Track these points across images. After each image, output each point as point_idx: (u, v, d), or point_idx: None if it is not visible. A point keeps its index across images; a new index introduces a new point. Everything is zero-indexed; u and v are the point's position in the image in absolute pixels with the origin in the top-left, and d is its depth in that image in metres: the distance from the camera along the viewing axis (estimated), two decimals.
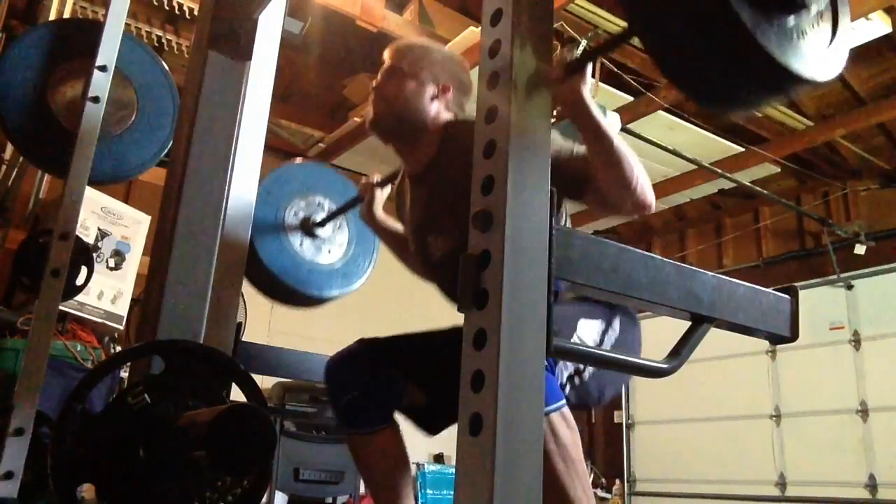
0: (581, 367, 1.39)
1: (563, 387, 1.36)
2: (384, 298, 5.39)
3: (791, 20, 0.66)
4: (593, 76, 4.09)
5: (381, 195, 1.78)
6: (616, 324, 1.45)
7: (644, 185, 1.31)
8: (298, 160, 2.05)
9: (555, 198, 0.72)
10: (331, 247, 1.92)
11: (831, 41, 0.72)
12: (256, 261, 1.74)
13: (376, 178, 1.77)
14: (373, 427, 1.53)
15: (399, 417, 1.58)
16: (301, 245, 1.86)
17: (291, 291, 1.83)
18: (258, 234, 1.74)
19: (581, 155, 1.34)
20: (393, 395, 1.55)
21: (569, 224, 1.56)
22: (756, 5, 0.63)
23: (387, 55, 1.59)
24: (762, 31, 0.63)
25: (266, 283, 1.82)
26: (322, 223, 1.89)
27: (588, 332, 1.40)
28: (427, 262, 1.57)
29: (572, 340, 1.34)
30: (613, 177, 1.28)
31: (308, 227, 1.87)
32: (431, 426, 1.57)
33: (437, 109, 1.51)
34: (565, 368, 1.37)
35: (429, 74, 1.53)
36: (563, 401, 1.29)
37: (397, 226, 1.78)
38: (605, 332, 1.43)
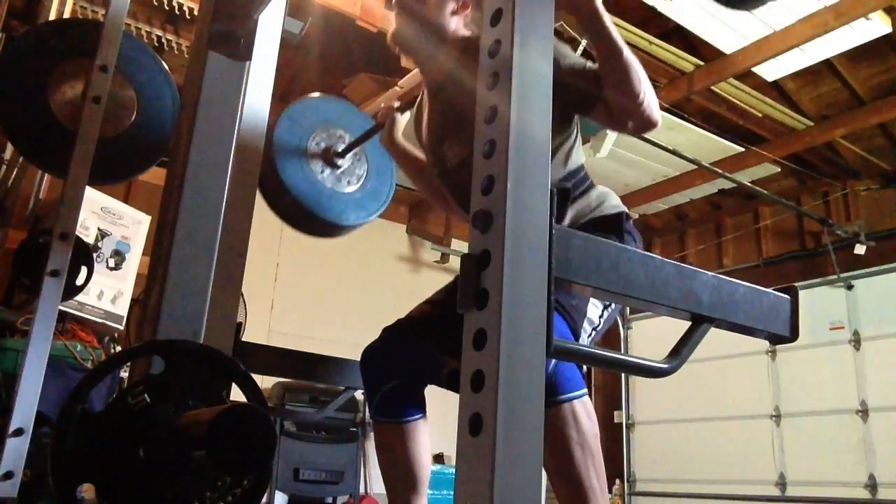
0: (599, 325, 1.42)
1: (595, 329, 1.40)
2: (384, 299, 5.40)
3: None
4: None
5: (402, 120, 1.83)
6: None
7: (651, 100, 1.35)
8: (313, 95, 2.09)
9: (555, 197, 0.71)
10: (349, 178, 1.97)
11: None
12: (278, 182, 1.81)
13: (396, 103, 1.82)
14: (409, 417, 1.54)
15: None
16: (322, 173, 1.92)
17: (309, 215, 1.88)
18: (281, 157, 1.81)
19: (592, 70, 1.38)
20: (431, 373, 1.57)
21: (579, 149, 1.58)
22: None
23: None
24: None
25: (286, 206, 1.88)
26: (343, 153, 1.94)
27: (593, 311, 1.41)
28: (442, 170, 1.61)
29: (583, 327, 1.38)
30: (622, 88, 1.32)
31: (329, 157, 1.92)
32: None
33: (457, 24, 1.56)
34: (591, 325, 1.39)
35: None
36: (585, 389, 1.31)
37: (416, 151, 1.82)
38: (606, 307, 1.45)
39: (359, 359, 1.64)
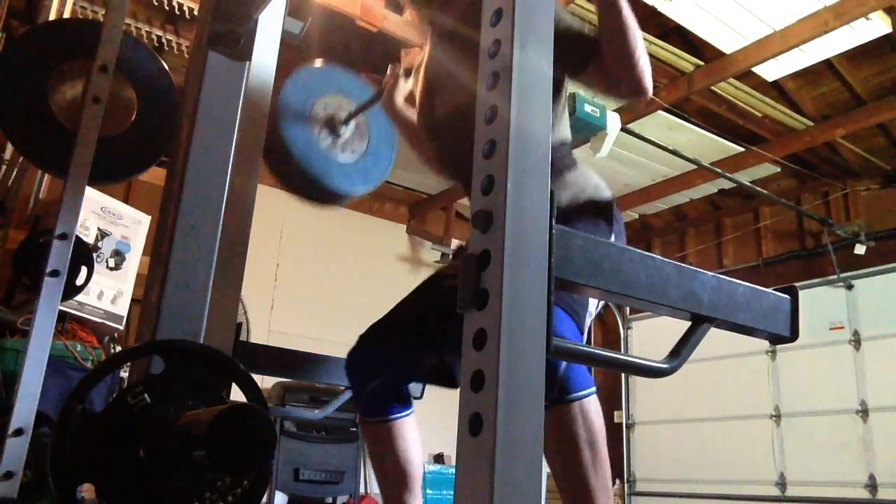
0: (602, 310, 1.45)
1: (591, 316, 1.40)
2: (384, 299, 5.40)
3: None
4: None
5: (405, 85, 1.84)
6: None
7: (644, 66, 1.34)
8: (323, 62, 2.10)
9: (555, 197, 0.71)
10: (349, 148, 1.98)
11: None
12: (280, 142, 1.81)
13: (401, 68, 1.84)
14: (395, 414, 1.55)
15: (417, 409, 1.60)
16: (322, 138, 1.93)
17: (306, 178, 1.88)
18: (285, 117, 1.82)
19: (588, 35, 1.38)
20: (413, 369, 1.58)
21: (566, 121, 1.59)
22: None
23: None
24: None
25: (284, 167, 1.87)
26: (346, 121, 1.94)
27: (594, 301, 1.42)
28: (429, 123, 1.61)
29: (586, 321, 1.39)
30: (618, 48, 1.31)
31: (332, 124, 1.93)
32: (455, 379, 1.59)
33: None
34: (589, 316, 1.40)
35: None
36: (594, 388, 1.31)
37: (415, 116, 1.83)
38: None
39: None
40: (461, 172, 1.57)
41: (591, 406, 1.30)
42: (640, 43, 1.33)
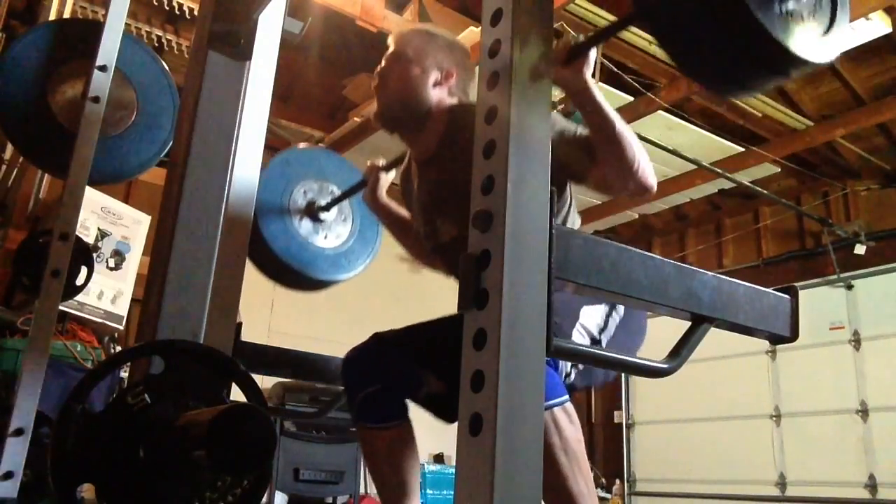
0: (606, 326, 1.41)
1: (567, 375, 1.36)
2: (384, 299, 5.40)
3: (791, 4, 0.72)
4: (594, 76, 4.09)
5: (386, 179, 1.80)
6: (620, 306, 1.45)
7: (645, 168, 1.32)
8: (303, 145, 2.06)
9: (555, 197, 0.71)
10: (332, 234, 1.95)
11: (828, 29, 0.80)
12: (259, 238, 1.77)
13: (381, 161, 1.79)
14: (390, 422, 1.54)
15: (415, 411, 1.59)
16: (303, 228, 1.89)
17: (289, 270, 1.85)
18: (263, 211, 1.77)
19: (584, 137, 1.35)
20: (410, 388, 1.56)
21: (574, 213, 1.56)
22: None
23: (391, 41, 1.60)
24: (764, 12, 0.68)
25: (266, 261, 1.84)
26: (327, 207, 1.91)
27: (591, 318, 1.40)
28: (435, 245, 1.59)
29: (575, 329, 1.36)
30: (616, 159, 1.30)
31: (312, 211, 1.90)
32: (452, 414, 1.58)
33: (441, 95, 1.53)
34: (586, 330, 1.38)
35: (433, 60, 1.54)
36: (566, 396, 1.30)
37: (400, 210, 1.80)
38: (609, 315, 1.44)
39: None
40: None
41: (563, 414, 1.29)
42: (637, 148, 1.30)
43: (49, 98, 1.75)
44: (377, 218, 1.90)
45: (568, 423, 1.29)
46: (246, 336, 1.61)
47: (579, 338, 1.36)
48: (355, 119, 4.74)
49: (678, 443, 5.83)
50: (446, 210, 1.51)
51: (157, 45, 4.08)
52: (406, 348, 1.57)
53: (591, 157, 1.34)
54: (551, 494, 1.27)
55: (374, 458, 1.56)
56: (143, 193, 4.46)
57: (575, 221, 1.57)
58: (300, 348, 1.93)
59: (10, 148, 3.25)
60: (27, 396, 1.47)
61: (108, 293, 3.39)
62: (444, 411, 1.56)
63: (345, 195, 1.90)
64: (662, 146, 4.81)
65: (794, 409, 5.24)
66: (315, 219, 1.90)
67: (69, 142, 1.63)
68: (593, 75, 1.30)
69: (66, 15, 3.14)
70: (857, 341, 5.04)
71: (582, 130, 1.37)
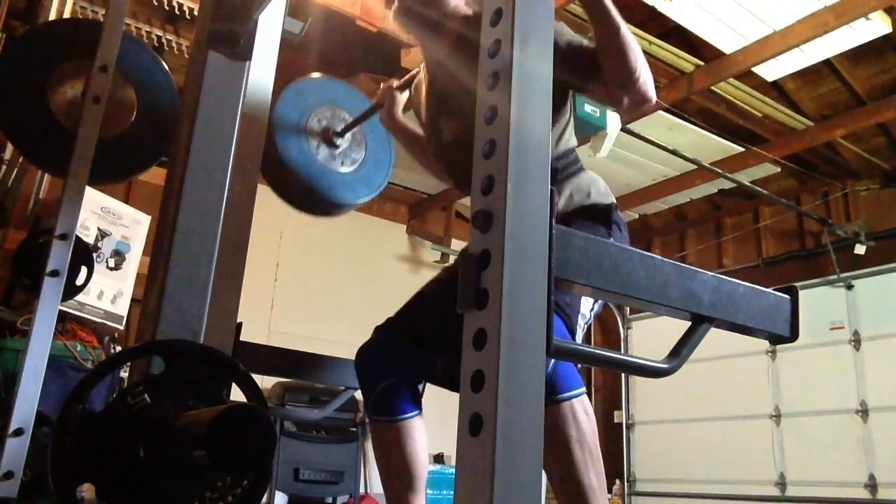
0: (589, 318, 1.45)
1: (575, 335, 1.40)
2: (384, 299, 5.40)
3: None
4: None
5: (401, 98, 1.86)
6: None
7: (646, 78, 1.38)
8: (316, 75, 2.12)
9: (555, 197, 0.71)
10: (346, 159, 2.00)
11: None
12: (275, 156, 1.83)
13: (395, 82, 1.85)
14: (405, 414, 1.55)
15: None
16: (318, 150, 1.95)
17: (311, 195, 1.91)
18: (281, 131, 1.84)
19: (590, 48, 1.42)
20: (425, 372, 1.58)
21: (571, 132, 1.61)
22: None
23: None
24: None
25: (281, 180, 1.90)
26: (342, 132, 1.96)
27: (586, 306, 1.43)
28: (437, 146, 1.64)
29: (578, 321, 1.39)
30: (619, 65, 1.35)
31: (328, 136, 1.95)
32: None
33: (457, 2, 1.59)
34: (582, 318, 1.40)
35: None
36: (584, 388, 1.32)
37: (416, 129, 1.86)
38: (596, 301, 1.46)
39: None
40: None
41: (581, 406, 1.31)
42: (640, 56, 1.36)
43: (49, 98, 1.75)
44: (394, 137, 1.97)
45: (585, 416, 1.31)
46: (246, 336, 1.61)
47: (582, 325, 1.40)
48: None
49: (678, 443, 5.83)
50: (450, 109, 1.57)
51: (157, 45, 4.08)
52: (411, 331, 1.59)
53: (595, 66, 1.39)
54: (563, 485, 1.28)
55: (384, 449, 1.57)
56: (143, 193, 4.47)
57: (570, 140, 1.61)
58: (300, 348, 1.93)
59: (10, 148, 3.25)
60: (27, 396, 1.47)
61: (108, 293, 3.39)
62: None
63: (359, 119, 1.95)
64: (662, 146, 4.81)
65: (794, 409, 5.24)
66: (331, 144, 1.95)
67: (69, 142, 1.63)
68: None
69: (66, 15, 3.14)
70: (857, 341, 5.04)
71: (588, 42, 1.43)
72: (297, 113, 1.91)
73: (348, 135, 1.98)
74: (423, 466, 1.56)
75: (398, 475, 1.55)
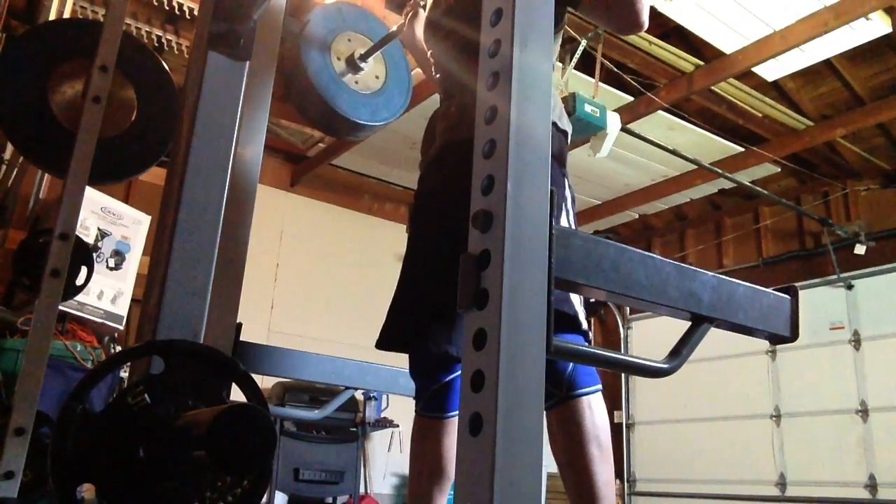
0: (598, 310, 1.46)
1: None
2: (385, 299, 5.40)
3: None
4: (593, 76, 4.10)
5: (422, 15, 1.90)
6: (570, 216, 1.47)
7: (645, 2, 1.41)
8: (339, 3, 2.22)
9: (555, 197, 0.71)
10: (367, 83, 2.07)
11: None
12: (302, 73, 1.91)
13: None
14: (454, 412, 1.55)
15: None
16: (342, 71, 2.02)
17: (336, 116, 1.96)
18: (308, 49, 1.93)
19: None
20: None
21: (557, 46, 1.65)
22: None
23: None
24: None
25: (305, 97, 1.95)
26: (365, 56, 2.02)
27: (582, 298, 1.42)
28: (434, 65, 1.69)
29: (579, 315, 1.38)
30: None
31: (352, 59, 2.01)
32: None
33: None
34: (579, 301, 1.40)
35: None
36: (601, 385, 1.33)
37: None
38: None
39: (358, 359, 1.64)
40: (448, 80, 1.63)
41: (598, 402, 1.34)
42: None
43: (49, 98, 1.75)
44: (411, 51, 2.01)
45: (602, 412, 1.34)
46: (246, 336, 1.61)
47: (581, 317, 1.40)
48: None
49: (678, 443, 5.83)
50: (452, 31, 1.59)
51: (157, 45, 4.08)
52: (431, 332, 1.55)
53: None
54: (575, 478, 1.30)
55: (423, 442, 1.57)
56: (143, 193, 4.47)
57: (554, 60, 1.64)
58: (300, 348, 1.93)
59: (10, 148, 3.25)
60: (27, 396, 1.47)
61: (108, 293, 3.39)
62: None
63: (381, 43, 2.01)
64: (662, 146, 4.81)
65: (795, 409, 5.24)
66: (355, 67, 2.01)
67: (69, 142, 1.63)
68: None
69: (66, 15, 3.14)
70: (857, 341, 5.04)
71: None
72: (324, 32, 2.00)
73: (370, 61, 2.04)
74: (453, 465, 1.57)
75: (429, 469, 1.55)
